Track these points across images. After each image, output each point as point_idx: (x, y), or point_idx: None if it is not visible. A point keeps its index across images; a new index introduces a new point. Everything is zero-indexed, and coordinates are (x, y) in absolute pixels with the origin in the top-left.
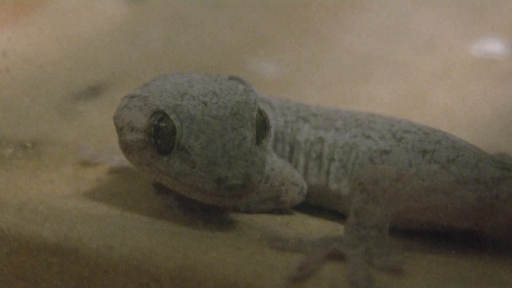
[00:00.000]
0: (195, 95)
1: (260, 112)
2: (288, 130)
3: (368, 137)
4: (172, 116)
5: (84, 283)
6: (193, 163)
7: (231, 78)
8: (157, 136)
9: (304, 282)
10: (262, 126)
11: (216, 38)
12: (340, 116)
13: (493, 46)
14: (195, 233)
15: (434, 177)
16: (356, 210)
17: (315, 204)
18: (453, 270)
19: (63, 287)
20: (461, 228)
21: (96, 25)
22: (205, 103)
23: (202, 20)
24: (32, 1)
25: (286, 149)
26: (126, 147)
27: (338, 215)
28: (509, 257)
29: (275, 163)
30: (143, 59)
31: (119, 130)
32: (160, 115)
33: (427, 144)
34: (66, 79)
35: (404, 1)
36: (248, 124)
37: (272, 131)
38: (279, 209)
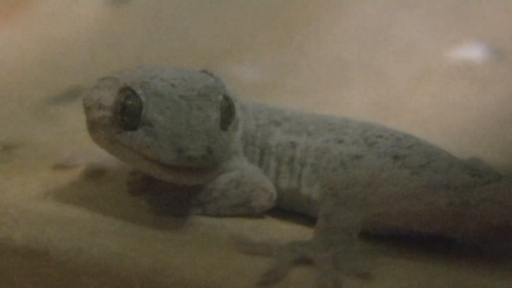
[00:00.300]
0: (164, 78)
1: (227, 98)
2: (259, 134)
3: (341, 141)
4: (139, 92)
5: (55, 286)
6: (156, 136)
7: (203, 71)
8: (124, 113)
9: (272, 287)
10: (228, 112)
11: (196, 42)
12: (313, 121)
13: (473, 52)
14: (165, 236)
15: (405, 183)
16: (326, 214)
17: (287, 208)
18: (422, 275)
19: None
20: (431, 233)
21: (77, 28)
22: (173, 85)
23: (182, 24)
24: (12, 4)
25: (257, 152)
26: (92, 125)
27: (310, 220)
28: (478, 262)
29: (245, 169)
30: (123, 62)
31: (87, 109)
32: (127, 92)
33: (399, 149)
34: (45, 82)
35: (383, 6)
36: (213, 106)
37: (240, 125)
38: (250, 214)
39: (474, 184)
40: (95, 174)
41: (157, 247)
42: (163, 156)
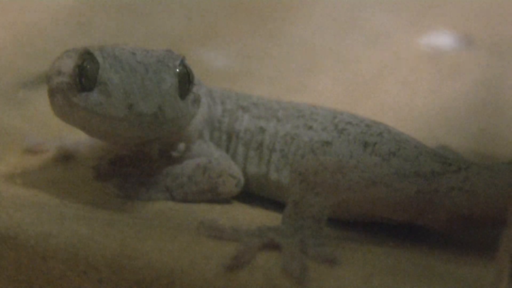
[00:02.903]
0: (125, 48)
1: (185, 66)
2: (226, 118)
3: (310, 128)
4: (96, 53)
5: (23, 270)
6: (110, 94)
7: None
8: (81, 75)
9: (239, 271)
10: (186, 80)
11: (166, 29)
12: (282, 107)
13: (442, 40)
14: (132, 221)
15: (374, 169)
16: (295, 200)
17: (256, 194)
18: (389, 261)
19: (1, 274)
20: (400, 221)
21: (47, 13)
22: (133, 53)
23: (153, 10)
24: None
25: (223, 137)
26: (52, 92)
27: (279, 205)
28: (446, 250)
29: (212, 154)
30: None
31: (48, 79)
32: (86, 55)
33: (369, 136)
34: (15, 67)
35: None
36: (170, 72)
37: (205, 107)
38: (217, 200)
39: (444, 172)
40: (64, 159)
41: (125, 231)
42: (113, 111)
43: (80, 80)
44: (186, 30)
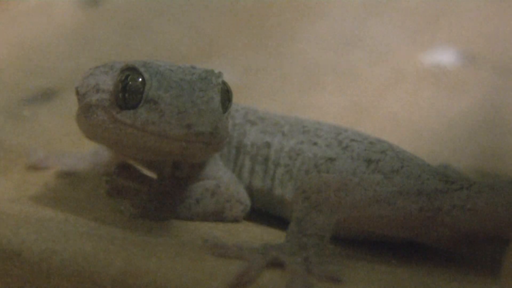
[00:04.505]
0: (161, 64)
1: (224, 83)
2: (235, 133)
3: (315, 143)
4: (142, 69)
5: (27, 287)
6: (162, 112)
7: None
8: (125, 92)
9: None
10: (226, 97)
11: (169, 44)
12: (287, 122)
13: (444, 56)
14: (137, 239)
15: (377, 187)
16: (298, 218)
17: (260, 208)
18: (392, 280)
19: None
20: (403, 238)
21: (50, 29)
22: (171, 70)
23: (156, 26)
24: None
25: (232, 152)
26: (89, 108)
27: (283, 223)
28: (449, 267)
29: (221, 178)
30: (97, 64)
31: (83, 95)
32: (129, 71)
33: (372, 153)
34: (18, 83)
35: (356, 11)
36: (215, 89)
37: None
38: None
39: (446, 190)
40: (67, 175)
41: (129, 249)
42: (170, 131)
43: (124, 96)
44: (189, 45)
